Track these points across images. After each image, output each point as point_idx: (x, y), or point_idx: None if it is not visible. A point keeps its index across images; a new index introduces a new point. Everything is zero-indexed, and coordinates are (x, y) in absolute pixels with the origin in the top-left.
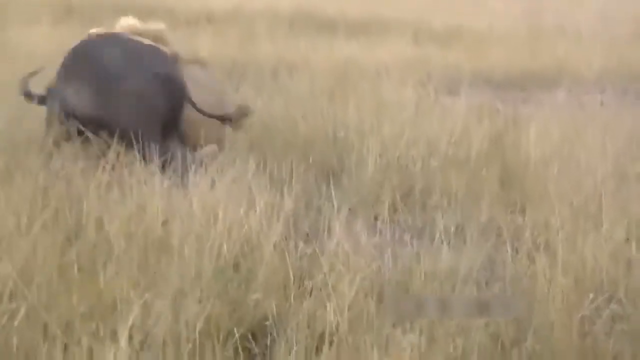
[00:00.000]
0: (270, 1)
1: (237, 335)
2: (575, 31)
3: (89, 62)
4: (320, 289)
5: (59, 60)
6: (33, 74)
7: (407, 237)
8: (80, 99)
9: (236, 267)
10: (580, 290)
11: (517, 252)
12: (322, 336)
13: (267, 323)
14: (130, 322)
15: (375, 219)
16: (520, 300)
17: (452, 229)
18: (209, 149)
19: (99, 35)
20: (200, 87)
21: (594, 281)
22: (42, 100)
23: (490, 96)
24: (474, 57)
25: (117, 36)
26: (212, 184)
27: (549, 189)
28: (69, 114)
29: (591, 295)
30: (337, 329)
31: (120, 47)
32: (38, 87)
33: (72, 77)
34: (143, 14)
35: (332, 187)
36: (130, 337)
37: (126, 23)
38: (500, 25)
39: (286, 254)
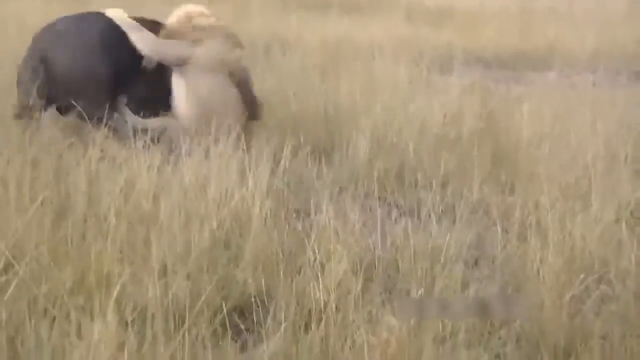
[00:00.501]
0: None
1: (225, 310)
2: (567, 11)
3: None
4: (310, 266)
5: None
6: None
7: (396, 216)
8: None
9: (225, 243)
10: (570, 271)
11: (507, 231)
12: (310, 313)
13: (255, 299)
14: (118, 297)
15: (366, 197)
16: (510, 279)
17: (442, 207)
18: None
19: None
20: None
21: (584, 262)
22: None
23: (482, 75)
24: (466, 36)
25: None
26: (202, 159)
27: (539, 169)
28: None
29: (581, 276)
30: (325, 306)
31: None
32: None
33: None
34: None
35: (322, 164)
36: (119, 312)
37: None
38: (492, 5)
39: (275, 231)
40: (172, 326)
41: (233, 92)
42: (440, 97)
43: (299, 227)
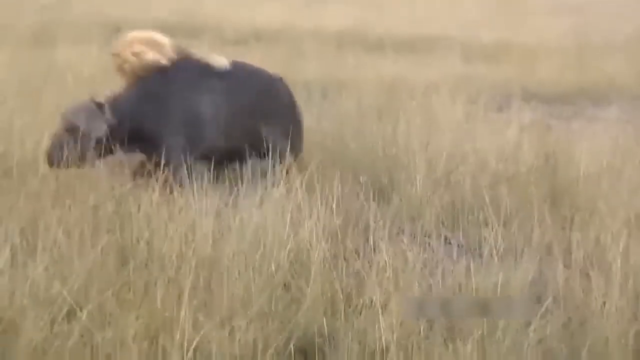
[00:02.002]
0: (318, 20)
1: (289, 353)
2: (624, 45)
3: None
4: (370, 307)
5: (106, 81)
6: None
7: (456, 254)
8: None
9: (286, 285)
10: (634, 306)
11: (569, 268)
12: (373, 354)
13: (319, 340)
14: (182, 342)
15: (425, 235)
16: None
17: (502, 245)
18: None
19: None
20: None
21: None
22: None
23: (540, 112)
24: (523, 73)
25: None
26: (261, 202)
27: (600, 205)
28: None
29: None
30: (387, 347)
31: None
32: None
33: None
34: (191, 33)
35: (380, 203)
36: (182, 357)
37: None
38: (548, 40)
39: (334, 272)
40: None
41: None
42: (498, 135)
43: (358, 267)
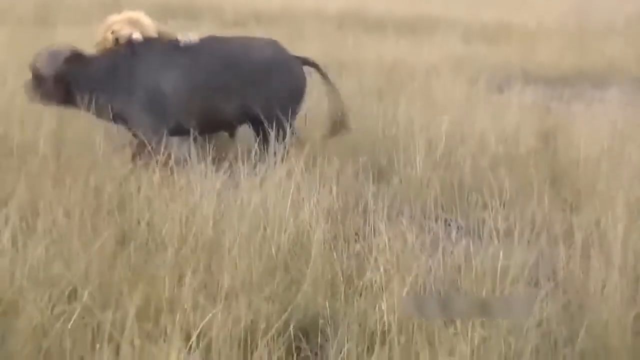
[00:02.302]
0: (318, 1)
1: (289, 334)
2: (624, 27)
3: None
4: (371, 288)
5: None
6: None
7: (456, 236)
8: None
9: (286, 266)
10: (634, 289)
11: (569, 250)
12: (373, 335)
13: (320, 322)
14: (182, 323)
15: (425, 217)
16: (573, 298)
17: (502, 227)
18: None
19: None
20: None
21: None
22: None
23: (540, 93)
24: (524, 55)
25: None
26: (262, 183)
27: (600, 187)
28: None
29: None
30: (388, 328)
31: None
32: None
33: None
34: (191, 15)
35: (380, 185)
36: (184, 338)
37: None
38: (548, 22)
39: (334, 253)
40: (237, 351)
41: None
42: (498, 116)
43: (358, 249)
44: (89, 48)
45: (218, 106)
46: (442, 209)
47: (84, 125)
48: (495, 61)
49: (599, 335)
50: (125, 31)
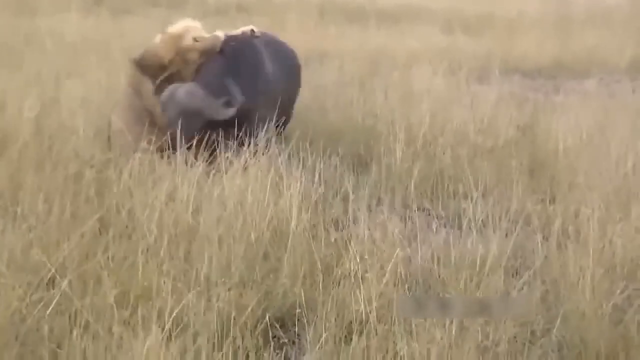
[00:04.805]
0: None
1: (266, 323)
2: (605, 18)
3: None
4: (349, 277)
5: (86, 49)
6: None
7: (435, 226)
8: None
9: (265, 255)
10: (610, 279)
11: (547, 240)
12: (351, 325)
13: (298, 310)
14: (160, 310)
15: (404, 207)
16: (550, 288)
17: (481, 217)
18: None
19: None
20: None
21: (625, 270)
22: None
23: (520, 85)
24: (505, 46)
25: None
26: (243, 171)
27: (579, 178)
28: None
29: (621, 284)
30: (366, 317)
31: None
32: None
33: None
34: (175, 3)
35: (360, 175)
36: (161, 325)
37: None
38: (530, 12)
39: (313, 242)
40: (215, 339)
41: None
42: (478, 107)
43: (337, 238)
44: (69, 34)
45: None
46: (422, 198)
47: (65, 111)
48: (476, 52)
49: (576, 325)
50: (201, 33)
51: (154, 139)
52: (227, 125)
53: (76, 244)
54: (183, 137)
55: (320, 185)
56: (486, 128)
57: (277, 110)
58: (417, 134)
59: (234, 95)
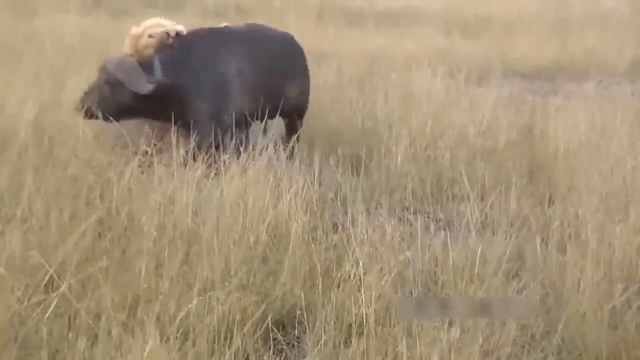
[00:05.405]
0: None
1: (266, 326)
2: (604, 20)
3: None
4: (348, 280)
5: (85, 50)
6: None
7: (435, 228)
8: None
9: (264, 257)
10: (610, 281)
11: (546, 243)
12: (350, 327)
13: (297, 313)
14: (159, 313)
15: (403, 209)
16: (550, 291)
17: (480, 220)
18: None
19: None
20: None
21: (624, 272)
22: None
23: (519, 87)
24: (504, 48)
25: None
26: (242, 173)
27: (577, 180)
28: None
29: (621, 287)
30: (366, 320)
31: None
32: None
33: None
34: (173, 5)
35: (359, 177)
36: (160, 328)
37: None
38: (529, 14)
39: (312, 245)
40: (214, 342)
41: None
42: (477, 109)
43: (337, 240)
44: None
45: (270, 95)
46: (421, 201)
47: (64, 115)
48: (475, 54)
49: (576, 328)
50: (159, 29)
51: (152, 140)
52: (158, 107)
53: (75, 246)
54: (105, 103)
55: (319, 187)
56: (485, 130)
57: (261, 101)
58: (416, 136)
59: (155, 71)
